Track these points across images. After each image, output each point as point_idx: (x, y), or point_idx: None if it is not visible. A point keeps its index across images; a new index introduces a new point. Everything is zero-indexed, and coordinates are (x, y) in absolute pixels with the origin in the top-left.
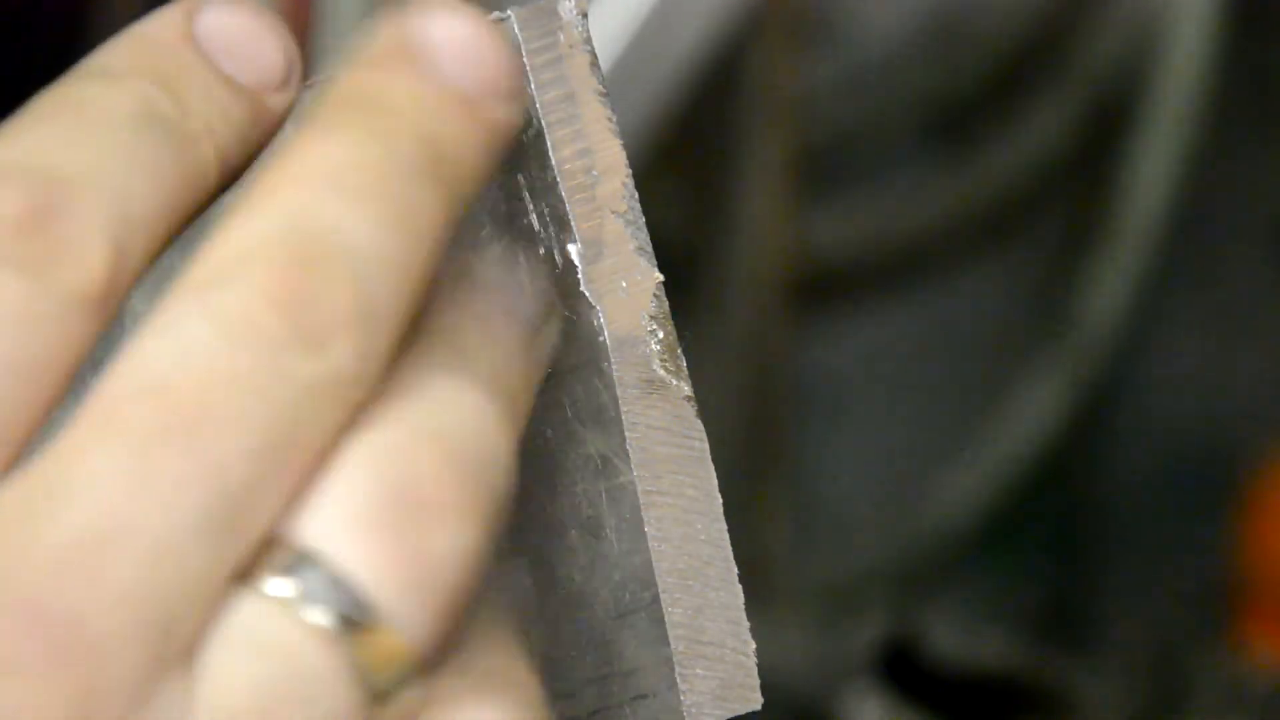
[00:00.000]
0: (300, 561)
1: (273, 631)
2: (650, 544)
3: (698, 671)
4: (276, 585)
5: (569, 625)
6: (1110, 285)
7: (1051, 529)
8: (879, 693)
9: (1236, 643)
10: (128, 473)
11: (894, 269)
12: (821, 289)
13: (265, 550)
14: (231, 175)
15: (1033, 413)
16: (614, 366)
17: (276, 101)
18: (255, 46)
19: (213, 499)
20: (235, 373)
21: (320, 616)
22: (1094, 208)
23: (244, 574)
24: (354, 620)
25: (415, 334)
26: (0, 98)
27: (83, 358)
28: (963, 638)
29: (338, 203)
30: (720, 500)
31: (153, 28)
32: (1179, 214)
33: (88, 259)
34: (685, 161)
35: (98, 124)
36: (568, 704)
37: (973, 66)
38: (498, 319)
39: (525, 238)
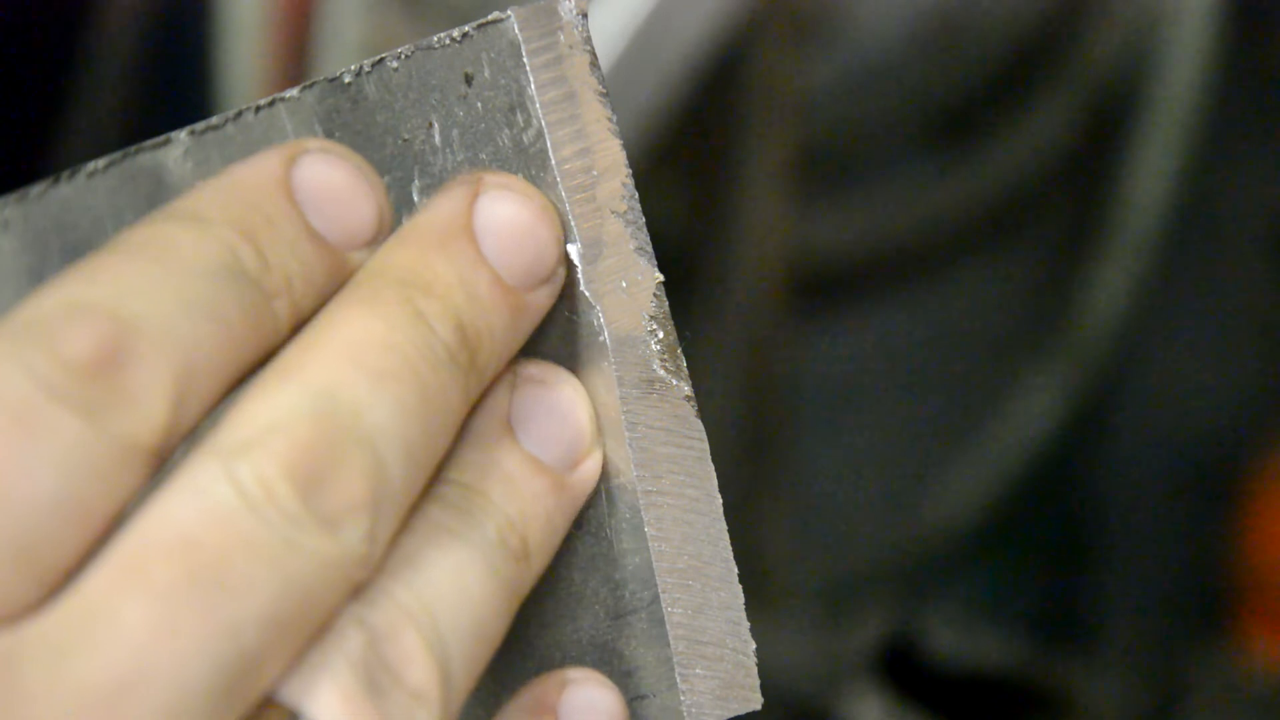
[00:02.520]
0: None
1: None
2: (650, 544)
3: (698, 671)
4: None
5: (569, 625)
6: (1110, 286)
7: (1051, 529)
8: (879, 693)
9: (1236, 643)
10: (153, 624)
11: (894, 269)
12: (821, 289)
13: (262, 712)
14: (301, 328)
15: (1033, 412)
16: (614, 366)
17: (358, 259)
18: (349, 203)
19: (227, 659)
20: (253, 540)
21: None
22: (1094, 208)
23: None
24: None
25: (432, 484)
26: (0, 97)
27: (126, 508)
28: (963, 638)
29: (366, 384)
30: (720, 500)
31: (252, 172)
32: (1179, 214)
33: (147, 410)
34: (685, 161)
35: (179, 272)
36: None
37: (973, 66)
38: (521, 469)
39: None
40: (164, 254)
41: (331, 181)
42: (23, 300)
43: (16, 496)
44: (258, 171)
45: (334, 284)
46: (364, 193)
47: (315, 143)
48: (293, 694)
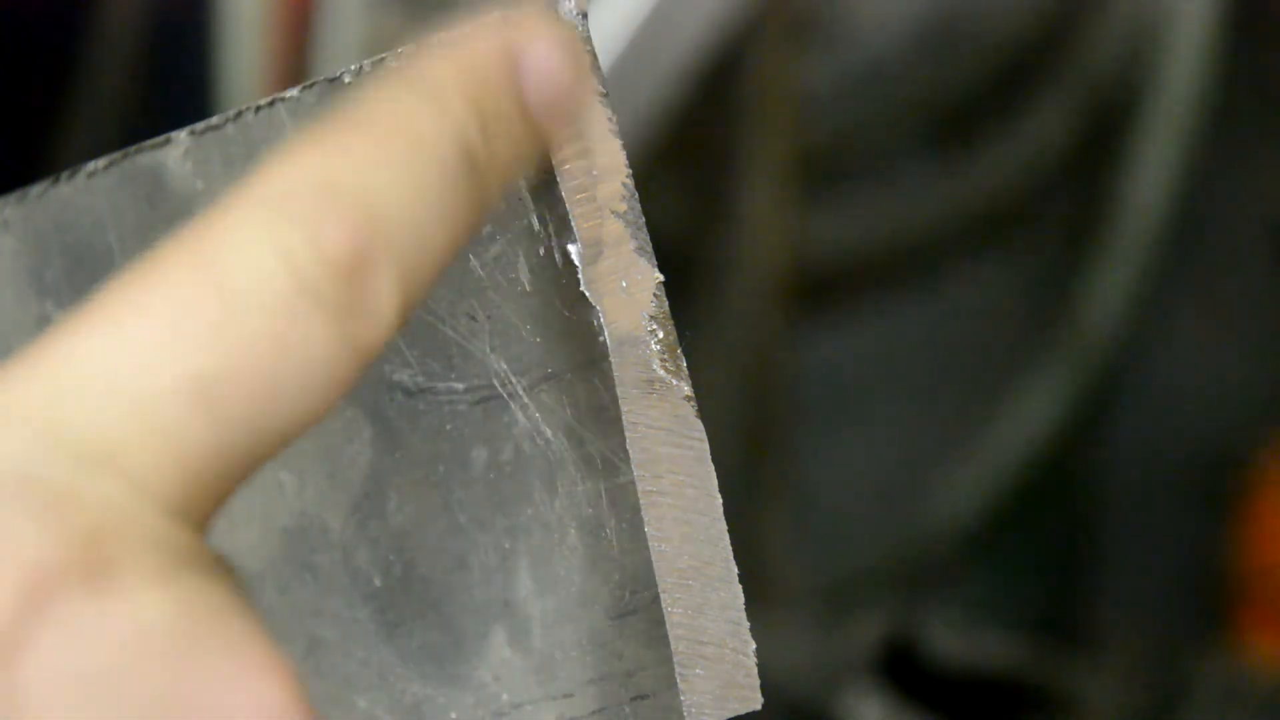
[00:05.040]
0: None
1: None
2: (650, 544)
3: (698, 671)
4: None
5: (569, 625)
6: (1110, 285)
7: (1051, 529)
8: (879, 693)
9: (1236, 643)
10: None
11: (894, 269)
12: (821, 289)
13: None
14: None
15: (1033, 413)
16: (614, 366)
17: (561, 136)
18: (565, 87)
19: None
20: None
21: None
22: (1094, 208)
23: None
24: None
25: None
26: (0, 97)
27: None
28: (963, 638)
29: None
30: (720, 500)
31: (483, 50)
32: (1179, 214)
33: (382, 317)
34: (685, 161)
35: (419, 157)
36: (568, 704)
37: (973, 66)
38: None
39: (525, 238)
40: (406, 134)
41: (554, 64)
42: (257, 169)
43: (257, 399)
44: (490, 46)
45: (540, 160)
46: (580, 72)
47: (544, 28)
48: None
